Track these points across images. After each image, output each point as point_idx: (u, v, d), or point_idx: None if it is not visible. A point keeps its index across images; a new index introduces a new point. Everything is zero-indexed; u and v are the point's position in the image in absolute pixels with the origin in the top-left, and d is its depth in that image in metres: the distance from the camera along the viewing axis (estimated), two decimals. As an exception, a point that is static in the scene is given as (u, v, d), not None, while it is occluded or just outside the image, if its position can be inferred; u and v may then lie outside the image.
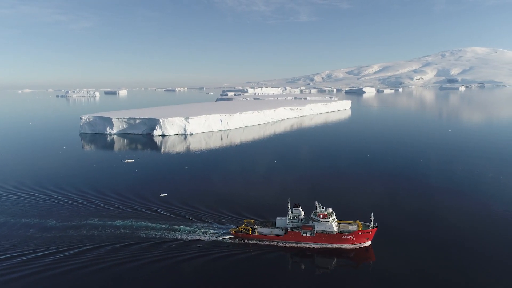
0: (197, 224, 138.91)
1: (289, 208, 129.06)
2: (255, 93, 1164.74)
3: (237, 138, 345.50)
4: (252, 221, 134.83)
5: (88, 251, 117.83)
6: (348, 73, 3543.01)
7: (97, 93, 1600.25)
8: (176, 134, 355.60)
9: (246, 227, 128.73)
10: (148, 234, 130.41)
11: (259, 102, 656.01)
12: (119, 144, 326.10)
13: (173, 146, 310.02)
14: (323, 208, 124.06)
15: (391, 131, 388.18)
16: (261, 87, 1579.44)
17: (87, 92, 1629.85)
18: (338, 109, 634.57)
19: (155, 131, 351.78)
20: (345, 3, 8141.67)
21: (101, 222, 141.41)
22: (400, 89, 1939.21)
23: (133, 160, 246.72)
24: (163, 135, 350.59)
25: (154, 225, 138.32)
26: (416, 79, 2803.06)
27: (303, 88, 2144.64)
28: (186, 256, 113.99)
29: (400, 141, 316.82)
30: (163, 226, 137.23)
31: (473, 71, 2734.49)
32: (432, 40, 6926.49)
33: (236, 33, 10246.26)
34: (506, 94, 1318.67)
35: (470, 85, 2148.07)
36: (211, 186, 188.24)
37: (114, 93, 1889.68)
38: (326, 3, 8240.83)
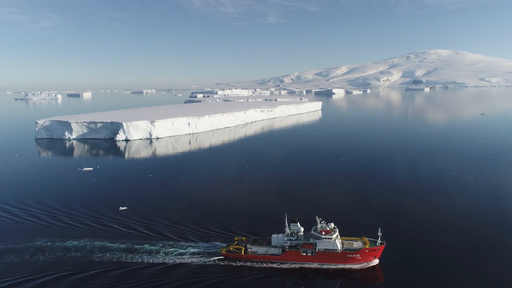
0: (175, 243, 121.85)
1: (286, 224, 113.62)
2: (224, 95, 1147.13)
3: (207, 142, 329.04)
4: (244, 239, 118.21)
5: (28, 285, 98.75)
6: (317, 74, 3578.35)
7: (59, 96, 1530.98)
8: (141, 139, 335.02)
9: (237, 246, 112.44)
10: (111, 257, 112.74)
11: (229, 104, 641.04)
12: (78, 150, 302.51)
13: (137, 151, 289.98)
14: (324, 223, 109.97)
15: (369, 132, 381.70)
16: (231, 89, 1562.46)
17: (48, 95, 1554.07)
18: (309, 111, 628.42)
19: (118, 135, 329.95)
20: (312, 5, 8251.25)
21: (50, 243, 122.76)
22: (368, 90, 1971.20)
23: (91, 168, 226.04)
24: (126, 140, 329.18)
25: (120, 245, 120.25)
26: (383, 81, 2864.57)
27: (273, 89, 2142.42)
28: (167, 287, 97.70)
29: (389, 144, 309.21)
30: (134, 246, 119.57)
31: (437, 73, 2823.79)
32: (397, 42, 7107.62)
33: (205, 34, 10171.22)
34: (468, 95, 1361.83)
35: (434, 86, 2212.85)
36: (181, 196, 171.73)
37: (77, 95, 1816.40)
38: (294, 5, 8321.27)
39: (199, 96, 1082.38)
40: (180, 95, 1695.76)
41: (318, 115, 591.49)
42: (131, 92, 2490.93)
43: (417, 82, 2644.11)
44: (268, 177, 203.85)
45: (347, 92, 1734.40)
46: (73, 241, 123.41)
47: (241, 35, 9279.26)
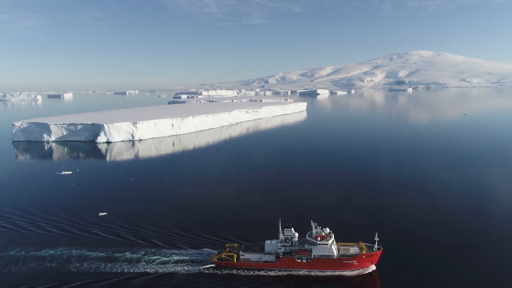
0: (161, 251, 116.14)
1: (280, 229, 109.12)
2: (209, 96, 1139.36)
3: (191, 144, 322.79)
4: (236, 245, 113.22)
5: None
6: (301, 75, 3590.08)
7: (39, 97, 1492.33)
8: (123, 141, 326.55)
9: (229, 254, 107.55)
10: (89, 267, 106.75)
11: (214, 105, 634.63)
12: (57, 153, 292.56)
13: (119, 154, 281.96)
14: (319, 228, 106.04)
15: (356, 133, 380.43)
16: (216, 90, 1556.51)
17: (28, 96, 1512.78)
18: (294, 111, 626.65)
19: (99, 137, 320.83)
20: (297, 6, 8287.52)
21: (24, 252, 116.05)
22: (352, 91, 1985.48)
23: (70, 172, 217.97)
24: (108, 142, 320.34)
25: (99, 254, 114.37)
26: (367, 81, 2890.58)
27: (258, 90, 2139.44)
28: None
29: (378, 145, 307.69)
30: (114, 255, 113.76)
31: (419, 73, 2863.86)
32: (381, 43, 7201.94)
33: (189, 34, 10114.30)
34: (450, 95, 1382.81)
35: (417, 87, 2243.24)
36: (166, 200, 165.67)
37: (58, 96, 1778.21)
38: (278, 6, 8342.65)
39: (183, 97, 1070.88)
40: (164, 96, 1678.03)
41: (303, 115, 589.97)
42: (114, 93, 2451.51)
43: (400, 82, 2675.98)
44: (258, 180, 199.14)
45: (331, 93, 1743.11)
46: (49, 250, 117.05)
47: (226, 35, 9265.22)
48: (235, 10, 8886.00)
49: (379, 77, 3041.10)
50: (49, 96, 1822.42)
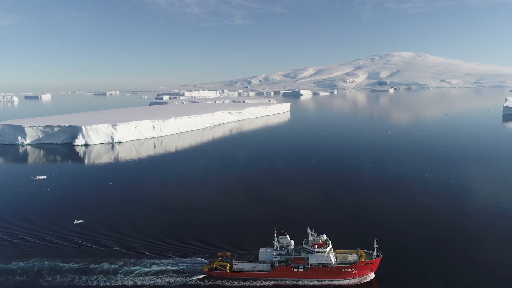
0: (145, 260, 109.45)
1: (275, 237, 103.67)
2: (191, 97, 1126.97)
3: (173, 146, 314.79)
4: (229, 254, 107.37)
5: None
6: (284, 76, 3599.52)
7: (15, 98, 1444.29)
8: (102, 143, 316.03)
9: (222, 263, 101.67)
10: (62, 280, 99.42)
11: (196, 106, 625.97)
12: (32, 156, 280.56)
13: (97, 157, 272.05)
14: (316, 235, 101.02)
15: (342, 134, 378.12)
16: (198, 90, 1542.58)
17: (4, 97, 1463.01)
18: (277, 112, 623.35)
19: (76, 140, 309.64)
20: (278, 7, 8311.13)
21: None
22: (335, 92, 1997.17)
23: (45, 177, 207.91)
24: (86, 145, 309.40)
25: (73, 266, 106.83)
26: (349, 82, 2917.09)
27: (241, 91, 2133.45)
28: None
29: (365, 146, 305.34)
30: (90, 266, 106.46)
31: (400, 74, 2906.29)
32: (362, 44, 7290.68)
33: (171, 35, 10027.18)
34: (430, 96, 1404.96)
35: (398, 87, 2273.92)
36: (148, 206, 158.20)
37: (36, 97, 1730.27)
38: (260, 7, 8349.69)
39: (165, 98, 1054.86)
40: (146, 96, 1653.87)
41: (287, 116, 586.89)
42: (94, 94, 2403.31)
43: (381, 83, 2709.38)
44: (247, 183, 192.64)
45: (314, 93, 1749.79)
46: (19, 262, 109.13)
47: (208, 36, 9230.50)
48: (216, 10, 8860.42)
49: (361, 77, 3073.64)
50: (26, 97, 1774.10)
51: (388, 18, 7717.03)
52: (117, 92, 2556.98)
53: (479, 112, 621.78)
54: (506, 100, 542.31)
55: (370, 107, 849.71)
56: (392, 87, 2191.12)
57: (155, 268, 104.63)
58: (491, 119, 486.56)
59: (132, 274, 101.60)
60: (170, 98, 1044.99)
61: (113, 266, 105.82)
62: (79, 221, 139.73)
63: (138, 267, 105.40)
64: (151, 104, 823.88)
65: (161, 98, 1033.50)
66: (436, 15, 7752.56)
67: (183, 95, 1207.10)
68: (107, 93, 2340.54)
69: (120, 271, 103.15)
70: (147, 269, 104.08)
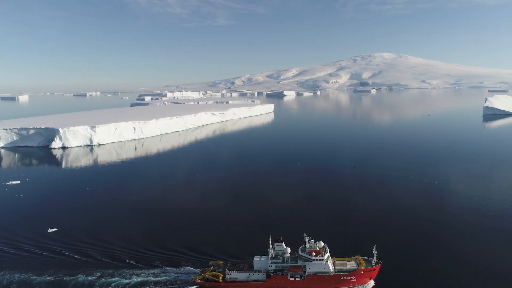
0: (128, 271, 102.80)
1: (270, 244, 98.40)
2: (174, 97, 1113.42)
3: (154, 148, 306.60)
4: (221, 263, 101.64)
5: None
6: (268, 76, 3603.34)
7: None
8: (80, 146, 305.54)
9: (214, 273, 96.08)
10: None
11: (179, 107, 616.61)
12: (6, 160, 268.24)
13: (75, 160, 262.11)
14: (313, 242, 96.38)
15: (326, 135, 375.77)
16: (181, 91, 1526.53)
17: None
18: (261, 113, 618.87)
19: (53, 143, 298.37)
20: (261, 8, 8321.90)
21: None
22: (318, 92, 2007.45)
23: (19, 182, 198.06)
24: (63, 148, 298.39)
25: (45, 278, 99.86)
26: (332, 83, 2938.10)
27: (224, 91, 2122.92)
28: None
29: (355, 148, 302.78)
30: (63, 279, 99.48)
31: (382, 75, 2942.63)
32: (345, 45, 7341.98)
33: (152, 35, 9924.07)
34: (412, 96, 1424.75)
35: (380, 88, 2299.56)
36: (129, 212, 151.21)
37: (12, 98, 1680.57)
38: (242, 7, 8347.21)
39: (147, 98, 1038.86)
40: (127, 97, 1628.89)
41: (271, 117, 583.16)
42: (74, 95, 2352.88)
43: (364, 84, 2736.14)
44: (238, 187, 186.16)
45: (298, 94, 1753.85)
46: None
47: (190, 36, 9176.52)
48: (198, 11, 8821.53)
49: (344, 78, 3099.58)
50: (3, 99, 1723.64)
51: (369, 19, 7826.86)
52: (98, 93, 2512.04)
53: (460, 112, 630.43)
54: (486, 100, 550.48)
55: (353, 108, 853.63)
56: (374, 88, 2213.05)
57: (140, 279, 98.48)
58: (472, 119, 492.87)
59: (117, 286, 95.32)
60: (152, 99, 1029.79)
61: (89, 278, 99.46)
62: (54, 229, 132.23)
63: (118, 278, 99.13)
64: (132, 105, 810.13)
65: (143, 99, 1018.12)
66: (416, 17, 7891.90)
67: (165, 96, 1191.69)
68: (88, 94, 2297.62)
69: (97, 283, 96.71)
70: (128, 281, 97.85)
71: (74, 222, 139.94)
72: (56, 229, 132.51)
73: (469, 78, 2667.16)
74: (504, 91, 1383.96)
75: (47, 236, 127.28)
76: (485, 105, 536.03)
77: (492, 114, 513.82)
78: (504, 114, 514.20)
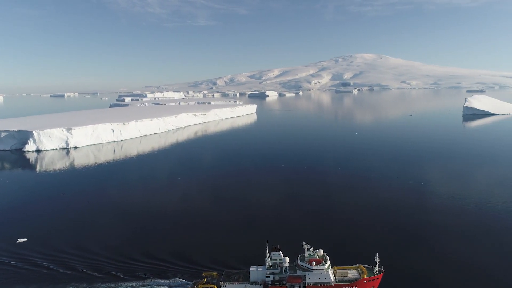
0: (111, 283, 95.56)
1: (267, 253, 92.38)
2: (155, 98, 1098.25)
3: (134, 150, 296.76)
4: (215, 274, 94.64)
5: None
6: (250, 77, 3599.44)
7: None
8: (56, 149, 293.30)
9: (208, 285, 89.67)
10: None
11: (159, 108, 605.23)
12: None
13: (50, 164, 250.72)
14: (312, 250, 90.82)
15: (312, 136, 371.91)
16: (162, 92, 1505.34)
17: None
18: (244, 114, 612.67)
19: (27, 146, 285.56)
20: (242, 9, 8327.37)
21: None
22: (300, 93, 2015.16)
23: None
24: (38, 151, 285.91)
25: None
26: (314, 83, 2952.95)
27: (206, 92, 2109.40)
28: None
29: (345, 148, 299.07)
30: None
31: (363, 76, 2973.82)
32: (326, 46, 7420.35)
33: (132, 35, 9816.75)
34: (392, 96, 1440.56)
35: (361, 88, 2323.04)
36: (109, 218, 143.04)
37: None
38: (223, 8, 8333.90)
39: (127, 99, 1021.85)
40: (107, 98, 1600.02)
41: (253, 118, 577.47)
42: (51, 96, 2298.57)
43: (345, 84, 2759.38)
44: (228, 191, 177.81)
45: (280, 95, 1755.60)
46: None
47: (171, 36, 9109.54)
48: (179, 11, 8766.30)
49: (326, 79, 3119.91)
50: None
51: (350, 20, 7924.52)
52: (76, 94, 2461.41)
53: (440, 112, 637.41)
54: (466, 100, 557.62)
55: (336, 108, 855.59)
56: (355, 88, 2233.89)
57: None
58: (452, 119, 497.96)
59: None
60: (132, 100, 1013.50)
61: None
62: (23, 240, 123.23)
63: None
64: (111, 106, 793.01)
65: (123, 100, 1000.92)
66: (395, 18, 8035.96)
67: (146, 96, 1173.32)
68: (65, 95, 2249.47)
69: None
70: None
71: (46, 232, 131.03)
72: (25, 239, 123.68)
73: (447, 79, 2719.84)
74: (481, 91, 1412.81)
75: (15, 248, 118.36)
76: (464, 105, 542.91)
77: (472, 114, 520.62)
78: (483, 114, 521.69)
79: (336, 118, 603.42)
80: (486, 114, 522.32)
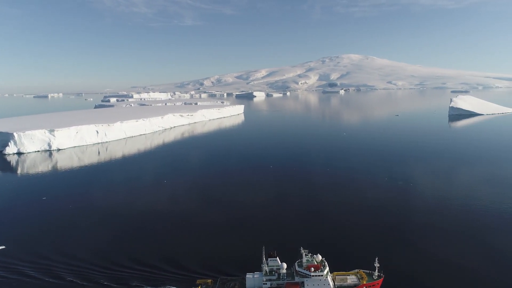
0: None
1: (264, 259, 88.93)
2: (141, 99, 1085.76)
3: (119, 152, 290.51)
4: (210, 281, 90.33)
5: None
6: (237, 77, 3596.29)
7: None
8: (38, 151, 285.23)
9: None
10: None
11: (145, 108, 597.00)
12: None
13: (32, 166, 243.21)
14: (310, 255, 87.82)
15: (301, 136, 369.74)
16: (148, 92, 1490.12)
17: None
18: (231, 114, 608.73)
19: (7, 148, 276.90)
20: (229, 9, 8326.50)
21: None
22: (288, 93, 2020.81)
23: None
24: (19, 153, 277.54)
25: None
26: (301, 83, 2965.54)
27: (193, 92, 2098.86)
28: None
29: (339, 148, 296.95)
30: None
31: (350, 76, 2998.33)
32: (313, 47, 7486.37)
33: (118, 34, 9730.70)
34: (379, 96, 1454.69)
35: (348, 89, 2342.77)
36: (94, 223, 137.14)
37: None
38: (210, 8, 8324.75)
39: (113, 100, 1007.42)
40: (91, 99, 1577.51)
41: (241, 118, 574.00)
42: (34, 97, 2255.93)
43: (332, 85, 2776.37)
44: (217, 193, 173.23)
45: (267, 95, 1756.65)
46: None
47: (157, 36, 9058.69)
48: (165, 10, 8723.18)
49: (313, 79, 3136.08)
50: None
51: (336, 21, 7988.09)
52: (60, 95, 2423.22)
53: (426, 112, 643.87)
54: (451, 101, 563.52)
55: (323, 109, 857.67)
56: (342, 89, 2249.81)
57: None
58: (438, 119, 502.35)
59: None
60: (117, 100, 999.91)
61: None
62: (1, 248, 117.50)
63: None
64: (96, 107, 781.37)
65: (108, 101, 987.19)
66: (381, 19, 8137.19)
67: (131, 97, 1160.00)
68: (49, 95, 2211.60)
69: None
70: None
71: (26, 239, 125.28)
72: (3, 246, 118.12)
73: (432, 79, 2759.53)
74: (466, 92, 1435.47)
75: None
76: (450, 105, 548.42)
77: (457, 114, 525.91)
78: (469, 114, 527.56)
79: (324, 118, 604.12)
80: (472, 114, 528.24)
